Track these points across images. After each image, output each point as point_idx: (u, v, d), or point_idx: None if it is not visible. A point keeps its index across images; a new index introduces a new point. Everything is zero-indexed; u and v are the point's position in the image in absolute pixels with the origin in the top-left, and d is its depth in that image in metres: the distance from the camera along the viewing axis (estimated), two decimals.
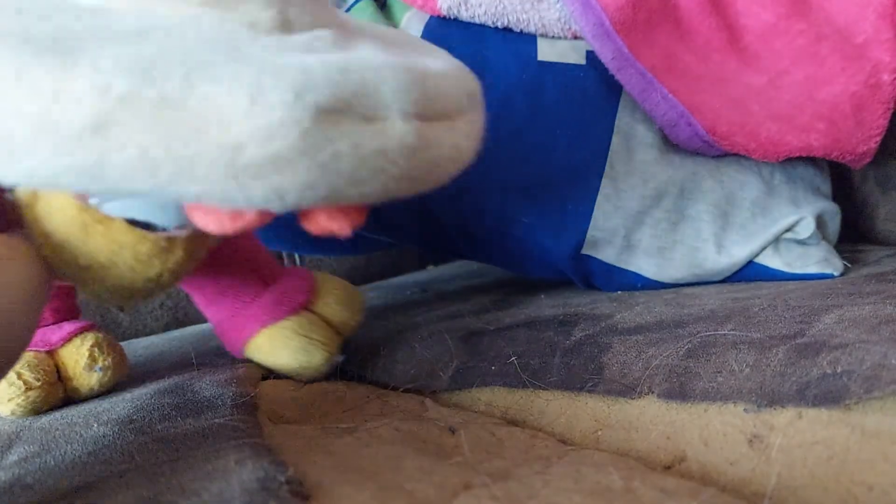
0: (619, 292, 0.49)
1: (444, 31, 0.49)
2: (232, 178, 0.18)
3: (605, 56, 0.45)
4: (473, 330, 0.44)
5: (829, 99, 0.46)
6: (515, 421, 0.37)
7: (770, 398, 0.28)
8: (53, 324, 0.40)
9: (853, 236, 0.57)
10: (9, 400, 0.36)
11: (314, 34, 0.22)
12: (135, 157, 0.18)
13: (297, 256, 0.73)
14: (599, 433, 0.33)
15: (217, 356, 0.45)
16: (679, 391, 0.31)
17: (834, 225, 0.49)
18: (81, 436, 0.31)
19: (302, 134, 0.18)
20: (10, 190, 0.26)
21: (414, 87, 0.20)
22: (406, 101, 0.20)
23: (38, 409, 0.37)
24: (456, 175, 0.24)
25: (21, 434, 0.33)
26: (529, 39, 0.49)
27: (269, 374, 0.44)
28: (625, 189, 0.47)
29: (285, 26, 0.21)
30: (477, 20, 0.48)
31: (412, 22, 0.50)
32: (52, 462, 0.29)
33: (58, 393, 0.38)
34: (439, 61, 0.24)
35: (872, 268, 0.46)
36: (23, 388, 0.36)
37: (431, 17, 0.49)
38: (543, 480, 0.25)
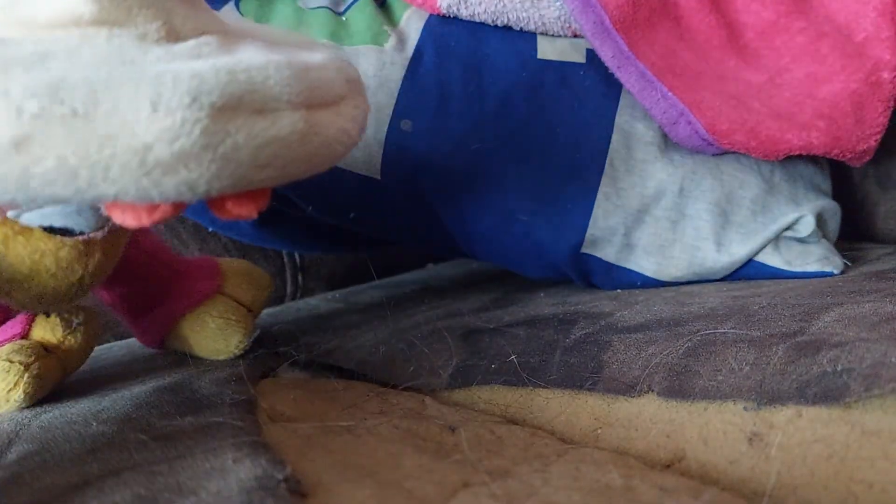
0: (619, 291, 0.49)
1: (443, 29, 0.49)
2: (144, 177, 0.20)
3: (605, 54, 0.45)
4: (473, 328, 0.44)
5: (829, 97, 0.46)
6: (515, 419, 0.37)
7: (770, 396, 0.28)
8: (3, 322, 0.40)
9: (853, 234, 0.57)
10: (13, 387, 0.36)
11: (200, 41, 0.23)
12: (54, 167, 0.20)
13: (297, 256, 0.73)
14: (599, 431, 0.33)
15: None
16: (679, 389, 0.31)
17: (834, 223, 0.49)
18: (80, 434, 0.31)
19: (202, 131, 0.20)
20: None
21: (297, 80, 0.23)
22: (292, 93, 0.22)
23: (44, 386, 0.37)
24: (345, 155, 0.26)
25: (20, 433, 0.33)
26: (529, 38, 0.48)
27: (268, 372, 0.44)
28: (624, 187, 0.46)
29: (172, 35, 0.23)
30: (477, 18, 0.48)
31: (412, 20, 0.50)
32: (52, 460, 0.29)
33: (53, 363, 0.38)
34: (318, 54, 0.26)
35: (872, 266, 0.46)
36: (21, 368, 0.36)
37: (431, 15, 0.49)
38: (543, 479, 0.25)
